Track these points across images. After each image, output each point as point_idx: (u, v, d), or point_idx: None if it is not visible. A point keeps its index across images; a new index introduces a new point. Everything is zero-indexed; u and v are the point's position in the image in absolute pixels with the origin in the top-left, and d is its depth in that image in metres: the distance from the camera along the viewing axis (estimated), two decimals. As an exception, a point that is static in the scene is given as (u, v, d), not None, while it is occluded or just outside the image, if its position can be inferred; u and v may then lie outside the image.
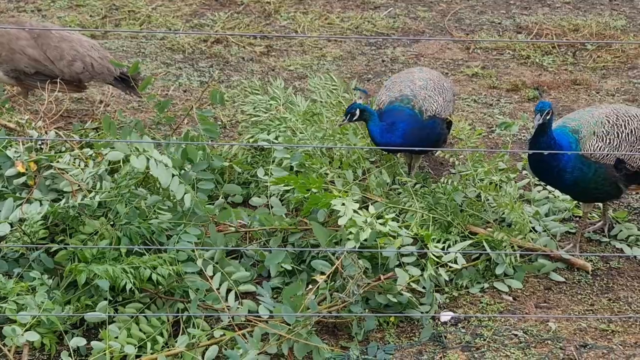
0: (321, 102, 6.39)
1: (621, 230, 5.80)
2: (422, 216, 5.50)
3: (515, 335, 5.02)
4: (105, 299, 4.78)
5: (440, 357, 4.88)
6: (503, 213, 5.72)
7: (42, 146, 5.52)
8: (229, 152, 6.06)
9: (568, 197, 5.83)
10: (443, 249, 5.31)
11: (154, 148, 5.03)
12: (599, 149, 5.33)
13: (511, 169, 6.15)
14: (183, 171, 5.16)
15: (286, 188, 5.55)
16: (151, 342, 4.72)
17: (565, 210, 5.96)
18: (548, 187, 6.01)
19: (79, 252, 4.87)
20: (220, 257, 5.10)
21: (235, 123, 6.92)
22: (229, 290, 4.95)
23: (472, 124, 7.01)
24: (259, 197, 5.77)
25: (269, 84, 6.74)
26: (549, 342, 4.98)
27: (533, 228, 5.71)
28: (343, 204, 5.10)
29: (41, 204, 5.09)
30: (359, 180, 5.78)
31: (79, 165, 5.33)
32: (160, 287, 4.89)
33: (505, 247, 5.37)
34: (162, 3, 9.03)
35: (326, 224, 5.34)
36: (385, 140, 5.67)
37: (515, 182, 5.96)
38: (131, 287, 4.72)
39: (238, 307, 4.90)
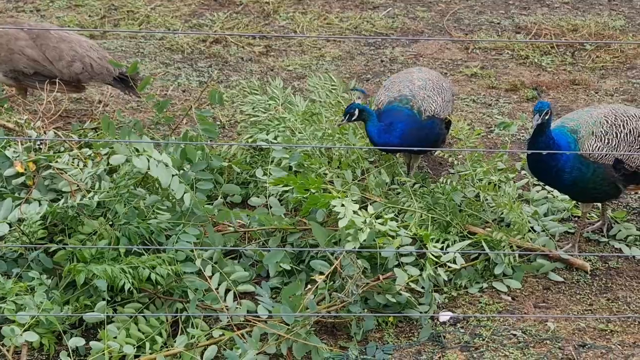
0: (320, 102, 6.40)
1: (620, 230, 5.80)
2: (421, 216, 5.50)
3: (514, 335, 5.03)
4: (104, 299, 4.78)
5: (439, 357, 4.88)
6: (502, 213, 5.72)
7: (41, 146, 5.52)
8: (227, 152, 6.06)
9: (567, 197, 5.83)
10: (442, 248, 5.31)
11: (153, 148, 5.03)
12: (598, 149, 5.33)
13: (510, 169, 6.16)
14: (182, 171, 5.16)
15: (285, 188, 5.55)
16: (150, 342, 4.72)
17: (564, 210, 5.96)
18: (547, 187, 6.01)
19: (78, 252, 4.87)
20: (218, 257, 5.10)
21: (234, 123, 6.92)
22: (227, 290, 4.95)
23: (471, 124, 7.01)
24: (258, 197, 5.78)
25: (267, 84, 6.74)
26: (548, 341, 4.98)
27: (532, 228, 5.71)
28: (342, 205, 5.10)
29: (40, 204, 5.09)
30: (358, 180, 5.78)
31: (78, 165, 5.34)
32: (159, 287, 4.89)
33: (504, 247, 5.37)
34: (161, 3, 9.04)
35: (325, 223, 5.34)
36: (382, 141, 5.67)
37: (514, 182, 5.96)
38: (130, 287, 4.72)
39: (237, 307, 4.90)
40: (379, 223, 5.14)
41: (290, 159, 5.73)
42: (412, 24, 8.78)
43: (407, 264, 5.16)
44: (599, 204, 5.88)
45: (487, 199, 5.72)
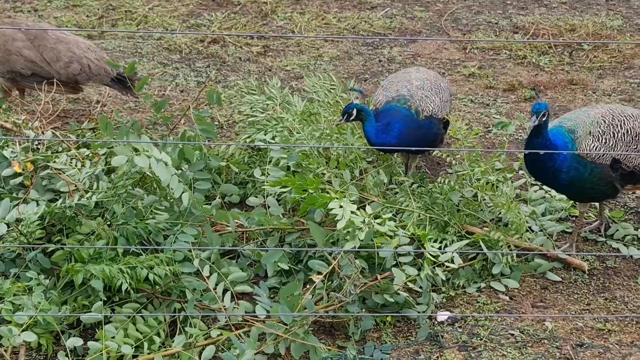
0: (318, 101, 6.40)
1: (617, 230, 5.81)
2: (419, 216, 5.50)
3: (512, 334, 5.03)
4: (102, 299, 4.78)
5: (437, 357, 4.88)
6: (500, 213, 5.73)
7: (39, 146, 5.52)
8: (226, 152, 6.06)
9: (564, 196, 5.84)
10: (440, 248, 5.31)
11: (152, 147, 5.03)
12: (595, 149, 5.34)
13: (508, 169, 6.16)
14: (180, 171, 5.16)
15: (283, 189, 5.55)
16: (148, 342, 4.72)
17: (562, 210, 5.96)
18: (544, 186, 6.02)
19: (76, 252, 4.87)
20: (216, 257, 5.10)
21: (232, 123, 6.92)
22: (225, 290, 4.95)
23: (469, 123, 7.01)
24: (256, 197, 5.78)
25: (265, 84, 6.74)
26: (546, 341, 4.99)
27: (529, 228, 5.71)
28: (341, 206, 5.10)
29: (38, 204, 5.09)
30: (356, 180, 5.78)
31: (76, 165, 5.34)
32: (157, 287, 4.89)
33: (501, 246, 5.37)
34: (158, 3, 9.03)
35: (323, 223, 5.35)
36: (380, 141, 5.67)
37: (512, 181, 5.96)
38: (127, 287, 4.72)
39: (235, 307, 4.90)
40: (377, 223, 5.14)
41: (288, 159, 5.73)
42: (410, 24, 8.78)
43: (405, 263, 5.16)
44: (597, 204, 5.88)
45: (484, 199, 5.72)
